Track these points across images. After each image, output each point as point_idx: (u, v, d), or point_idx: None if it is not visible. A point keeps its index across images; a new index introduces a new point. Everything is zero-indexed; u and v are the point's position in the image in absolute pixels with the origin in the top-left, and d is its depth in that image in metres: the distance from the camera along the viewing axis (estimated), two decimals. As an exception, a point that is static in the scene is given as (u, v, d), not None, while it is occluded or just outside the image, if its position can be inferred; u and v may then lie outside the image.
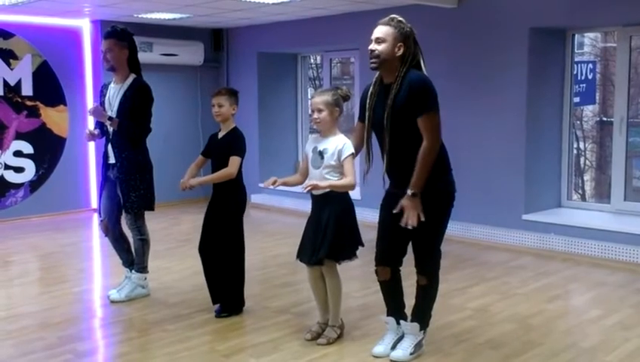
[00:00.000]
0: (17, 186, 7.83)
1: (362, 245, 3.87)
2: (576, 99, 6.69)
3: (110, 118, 4.50)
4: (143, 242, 4.75)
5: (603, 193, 8.45)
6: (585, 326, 4.24)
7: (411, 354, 3.63)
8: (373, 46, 3.45)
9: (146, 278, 4.82)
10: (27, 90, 7.79)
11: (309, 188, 3.67)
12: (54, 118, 8.03)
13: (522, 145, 6.26)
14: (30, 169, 7.90)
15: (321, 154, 3.76)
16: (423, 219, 3.40)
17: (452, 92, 6.58)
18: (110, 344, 4.09)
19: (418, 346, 3.67)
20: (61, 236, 7.01)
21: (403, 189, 3.45)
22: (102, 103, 4.69)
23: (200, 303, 4.55)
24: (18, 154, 7.80)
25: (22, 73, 7.73)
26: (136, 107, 4.53)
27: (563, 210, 6.53)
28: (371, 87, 3.58)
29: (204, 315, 4.39)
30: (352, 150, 3.70)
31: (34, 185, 7.94)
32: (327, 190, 3.71)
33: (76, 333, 4.16)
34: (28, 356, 3.75)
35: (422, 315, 3.69)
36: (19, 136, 7.78)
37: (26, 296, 4.98)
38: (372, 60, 3.45)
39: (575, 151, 7.48)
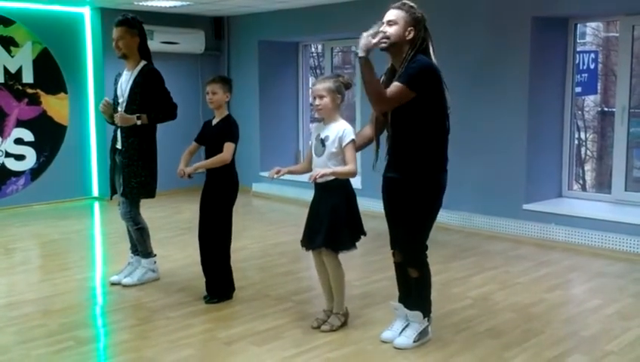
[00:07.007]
0: (18, 174, 7.83)
1: (364, 234, 3.88)
2: (578, 89, 6.69)
3: (138, 117, 4.56)
4: (141, 231, 4.80)
5: (604, 183, 8.46)
6: (585, 316, 4.25)
7: (415, 341, 3.65)
8: (384, 27, 3.48)
9: (155, 262, 4.90)
10: (28, 77, 7.77)
11: (313, 178, 3.68)
12: (55, 106, 8.02)
13: (523, 134, 6.25)
14: (31, 157, 7.90)
15: (322, 142, 3.76)
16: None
17: (452, 81, 6.50)
18: (112, 331, 4.10)
19: (423, 334, 3.69)
20: (62, 224, 7.02)
21: (398, 174, 3.52)
22: (115, 91, 4.75)
23: (201, 291, 4.56)
24: (19, 141, 7.79)
25: (22, 60, 7.71)
26: (155, 91, 4.62)
27: (564, 200, 6.53)
28: (383, 76, 3.59)
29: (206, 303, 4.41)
30: (353, 136, 3.70)
31: (35, 172, 7.94)
32: (330, 178, 3.71)
33: (78, 320, 4.18)
34: (29, 343, 3.77)
35: (420, 303, 3.70)
36: (19, 123, 7.77)
37: (27, 284, 5.00)
38: (382, 41, 3.46)
39: (576, 141, 7.48)
